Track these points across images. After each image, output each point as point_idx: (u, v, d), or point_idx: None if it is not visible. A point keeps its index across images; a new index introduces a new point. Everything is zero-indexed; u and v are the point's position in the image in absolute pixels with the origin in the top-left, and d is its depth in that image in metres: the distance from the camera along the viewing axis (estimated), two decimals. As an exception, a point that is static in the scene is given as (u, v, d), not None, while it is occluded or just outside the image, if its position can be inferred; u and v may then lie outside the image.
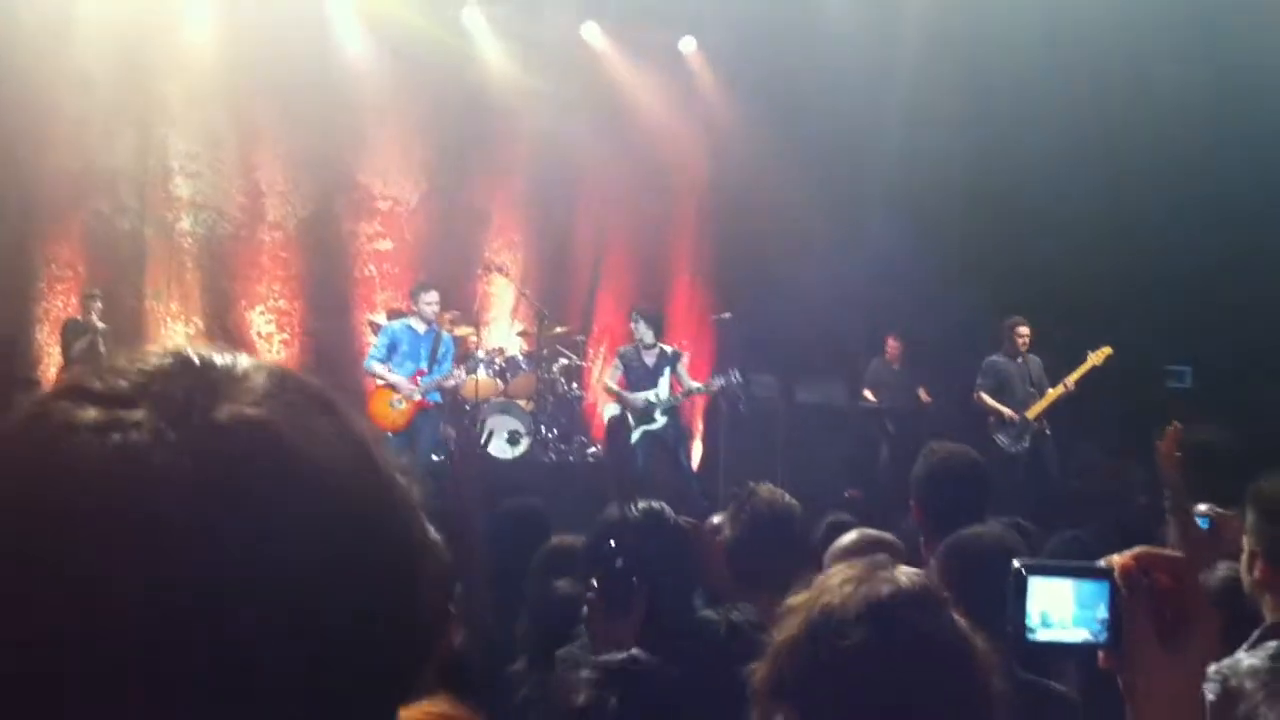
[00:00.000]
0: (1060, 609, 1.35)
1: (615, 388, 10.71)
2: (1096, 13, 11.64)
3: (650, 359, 10.60)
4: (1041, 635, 1.35)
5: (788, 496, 3.67)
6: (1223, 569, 3.30)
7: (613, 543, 2.89)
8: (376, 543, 0.68)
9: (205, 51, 11.98)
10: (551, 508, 5.22)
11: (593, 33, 13.41)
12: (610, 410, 11.02)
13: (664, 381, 10.54)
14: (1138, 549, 1.35)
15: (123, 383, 0.67)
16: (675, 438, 10.71)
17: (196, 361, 0.69)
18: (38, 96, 11.73)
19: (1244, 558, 3.02)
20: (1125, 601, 1.33)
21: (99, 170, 12.14)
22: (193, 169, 12.43)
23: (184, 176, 12.40)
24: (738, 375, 10.42)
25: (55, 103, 11.80)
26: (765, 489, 3.68)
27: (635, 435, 10.54)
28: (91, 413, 0.65)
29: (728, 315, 10.60)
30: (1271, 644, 2.68)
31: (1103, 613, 1.34)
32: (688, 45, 13.58)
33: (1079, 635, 1.35)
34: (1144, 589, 1.32)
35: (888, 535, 3.71)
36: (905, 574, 1.58)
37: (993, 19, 11.97)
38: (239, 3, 12.08)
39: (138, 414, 0.65)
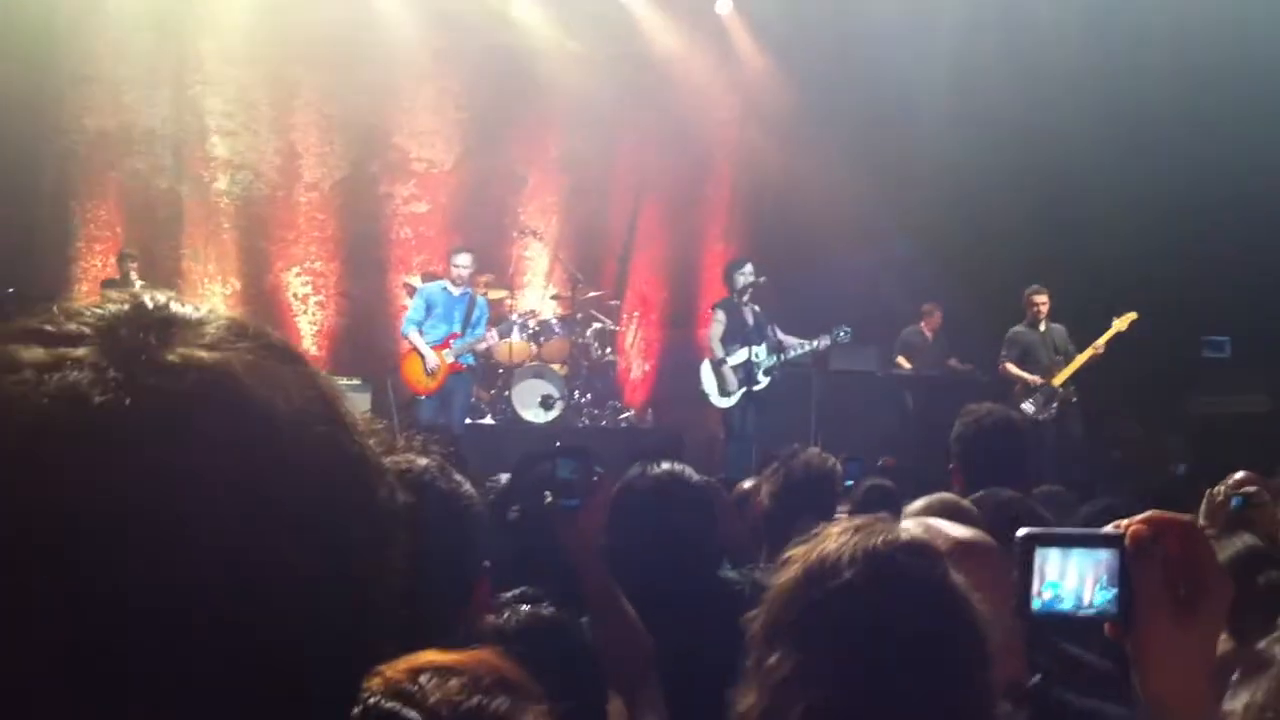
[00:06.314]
0: (1069, 578, 1.30)
1: (718, 346, 10.14)
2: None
3: (749, 315, 10.19)
4: (1047, 606, 1.31)
5: (830, 459, 3.66)
6: (1242, 541, 3.23)
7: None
8: (336, 492, 0.66)
9: (242, 11, 11.98)
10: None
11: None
12: (705, 372, 10.28)
13: (770, 340, 10.05)
14: (1150, 512, 1.31)
15: (73, 325, 0.65)
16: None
17: (151, 306, 0.68)
18: (75, 58, 11.80)
19: None
20: (1135, 568, 1.28)
21: (136, 130, 12.21)
22: (229, 128, 12.47)
23: (220, 136, 12.43)
24: (844, 332, 10.21)
25: (92, 63, 11.86)
26: (807, 451, 3.67)
27: (734, 399, 10.09)
28: (38, 352, 0.63)
29: (763, 279, 10.49)
30: None
31: (1112, 581, 1.29)
32: (724, 6, 13.43)
33: (1087, 605, 1.30)
34: (1155, 555, 1.28)
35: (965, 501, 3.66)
36: (905, 529, 1.58)
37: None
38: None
39: (81, 352, 0.63)
